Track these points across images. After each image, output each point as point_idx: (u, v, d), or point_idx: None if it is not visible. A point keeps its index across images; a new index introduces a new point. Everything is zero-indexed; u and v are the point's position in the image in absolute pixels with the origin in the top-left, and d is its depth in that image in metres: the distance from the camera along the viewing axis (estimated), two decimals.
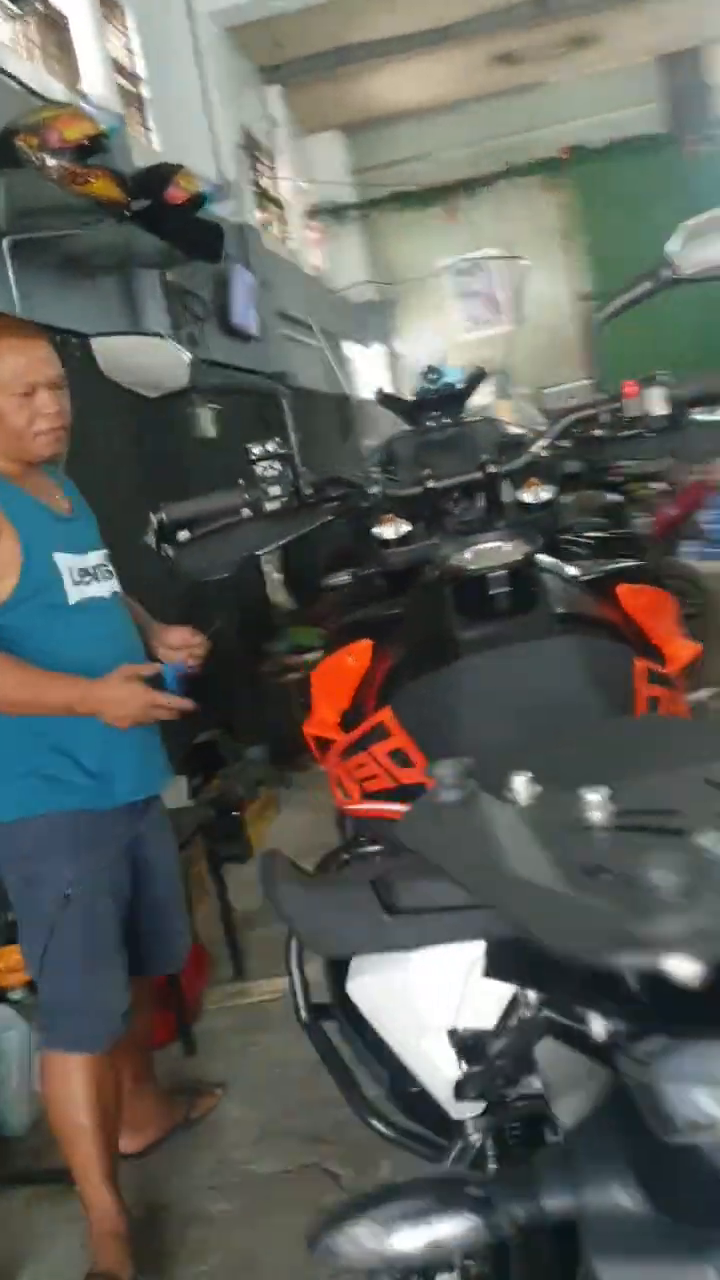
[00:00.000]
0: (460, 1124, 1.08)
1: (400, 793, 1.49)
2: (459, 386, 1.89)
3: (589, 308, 8.24)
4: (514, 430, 1.92)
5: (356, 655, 1.66)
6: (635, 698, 1.45)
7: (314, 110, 9.33)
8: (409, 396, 1.94)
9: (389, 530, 1.69)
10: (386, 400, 1.95)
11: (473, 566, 1.49)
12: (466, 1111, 1.02)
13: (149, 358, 1.64)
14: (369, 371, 9.65)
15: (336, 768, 1.75)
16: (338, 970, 1.78)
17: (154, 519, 1.65)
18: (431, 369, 1.86)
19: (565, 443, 1.74)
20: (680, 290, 1.62)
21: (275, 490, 1.65)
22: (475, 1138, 1.02)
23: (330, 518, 1.74)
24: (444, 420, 1.90)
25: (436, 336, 9.35)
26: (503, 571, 1.47)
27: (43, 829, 2.00)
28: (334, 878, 0.88)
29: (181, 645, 2.15)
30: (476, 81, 9.45)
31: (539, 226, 9.42)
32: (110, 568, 2.11)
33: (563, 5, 8.16)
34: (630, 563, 1.74)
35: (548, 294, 9.45)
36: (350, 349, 9.36)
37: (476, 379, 1.90)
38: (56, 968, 2.02)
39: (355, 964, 1.10)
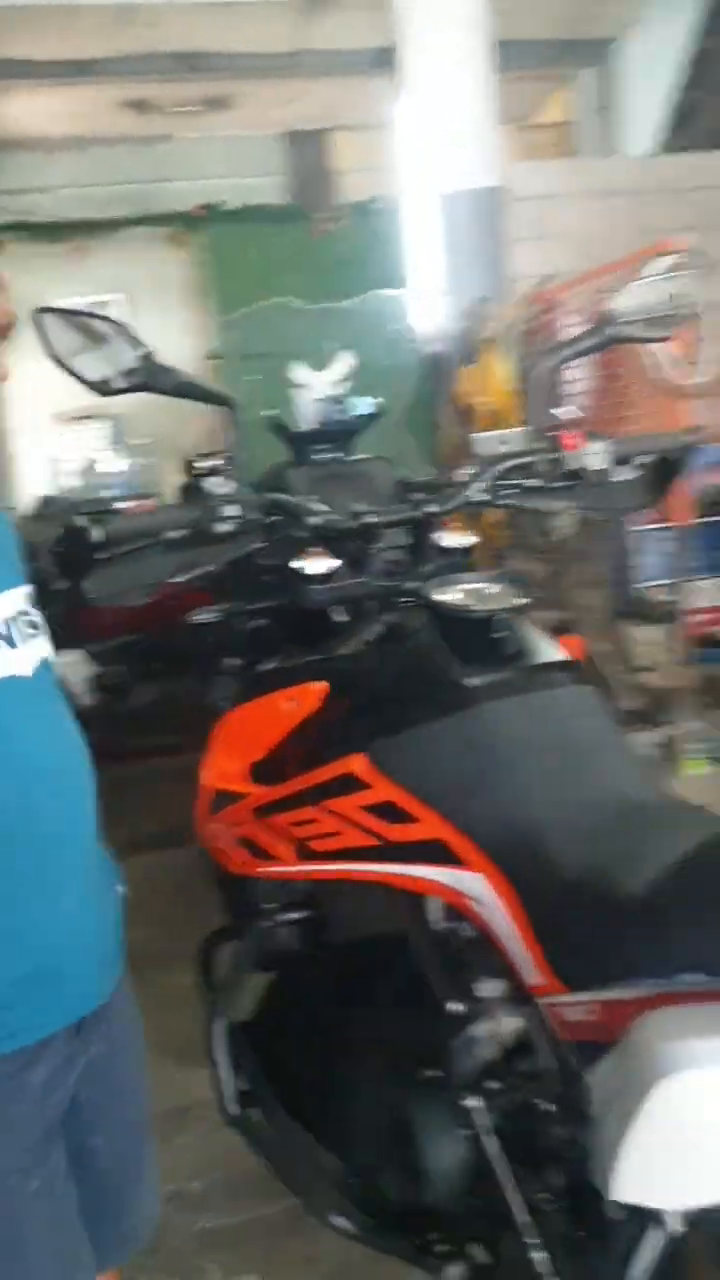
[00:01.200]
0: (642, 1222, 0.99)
1: (389, 851, 1.38)
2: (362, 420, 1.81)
3: (213, 366, 8.32)
4: (400, 471, 1.86)
5: (302, 699, 1.52)
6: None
7: None
8: (302, 427, 1.83)
9: (317, 565, 1.57)
10: (278, 428, 1.83)
11: (478, 607, 1.41)
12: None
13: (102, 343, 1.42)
14: None
15: (246, 825, 1.59)
16: (264, 1055, 1.61)
17: (88, 529, 1.41)
18: (338, 399, 1.77)
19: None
20: None
21: (231, 510, 1.48)
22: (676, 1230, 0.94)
23: (257, 545, 1.60)
24: (336, 455, 1.81)
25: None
26: (505, 615, 1.41)
27: None
28: None
29: None
30: (104, 123, 9.28)
31: (162, 279, 9.35)
32: (35, 618, 1.22)
33: (207, 65, 8.24)
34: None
35: (170, 349, 9.37)
36: None
37: (376, 416, 1.84)
38: None
39: (675, 1056, 0.97)
